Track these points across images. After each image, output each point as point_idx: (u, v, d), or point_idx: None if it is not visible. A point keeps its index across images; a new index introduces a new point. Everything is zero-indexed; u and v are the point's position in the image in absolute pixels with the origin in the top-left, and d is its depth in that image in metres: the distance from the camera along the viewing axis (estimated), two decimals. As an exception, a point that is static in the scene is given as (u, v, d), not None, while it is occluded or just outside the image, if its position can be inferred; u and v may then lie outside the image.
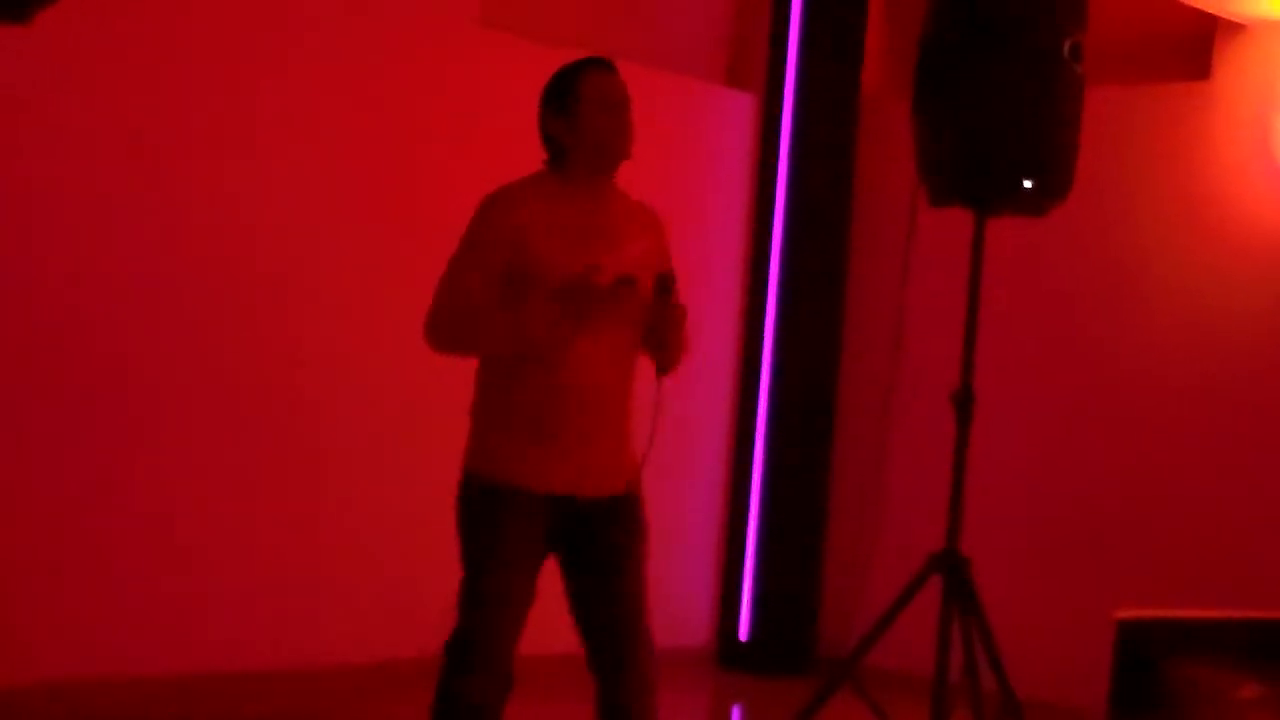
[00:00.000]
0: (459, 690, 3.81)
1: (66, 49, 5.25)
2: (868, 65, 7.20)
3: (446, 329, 3.86)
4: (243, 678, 5.77)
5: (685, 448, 7.01)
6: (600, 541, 3.92)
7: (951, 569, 4.78)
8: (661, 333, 3.86)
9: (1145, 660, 4.62)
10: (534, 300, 3.78)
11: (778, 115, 7.12)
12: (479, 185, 6.17)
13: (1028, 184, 4.74)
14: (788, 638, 7.04)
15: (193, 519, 5.66)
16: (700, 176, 7.05)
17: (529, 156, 6.29)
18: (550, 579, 3.97)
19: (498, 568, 3.83)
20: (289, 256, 5.85)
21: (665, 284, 3.85)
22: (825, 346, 7.10)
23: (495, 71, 6.35)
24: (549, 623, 4.07)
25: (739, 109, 7.21)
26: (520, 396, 3.87)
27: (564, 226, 3.85)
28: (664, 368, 3.92)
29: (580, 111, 3.89)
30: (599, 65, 3.95)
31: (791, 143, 7.11)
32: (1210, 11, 6.18)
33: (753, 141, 7.24)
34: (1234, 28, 6.26)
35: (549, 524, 3.88)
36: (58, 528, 5.37)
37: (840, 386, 7.19)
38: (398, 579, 6.04)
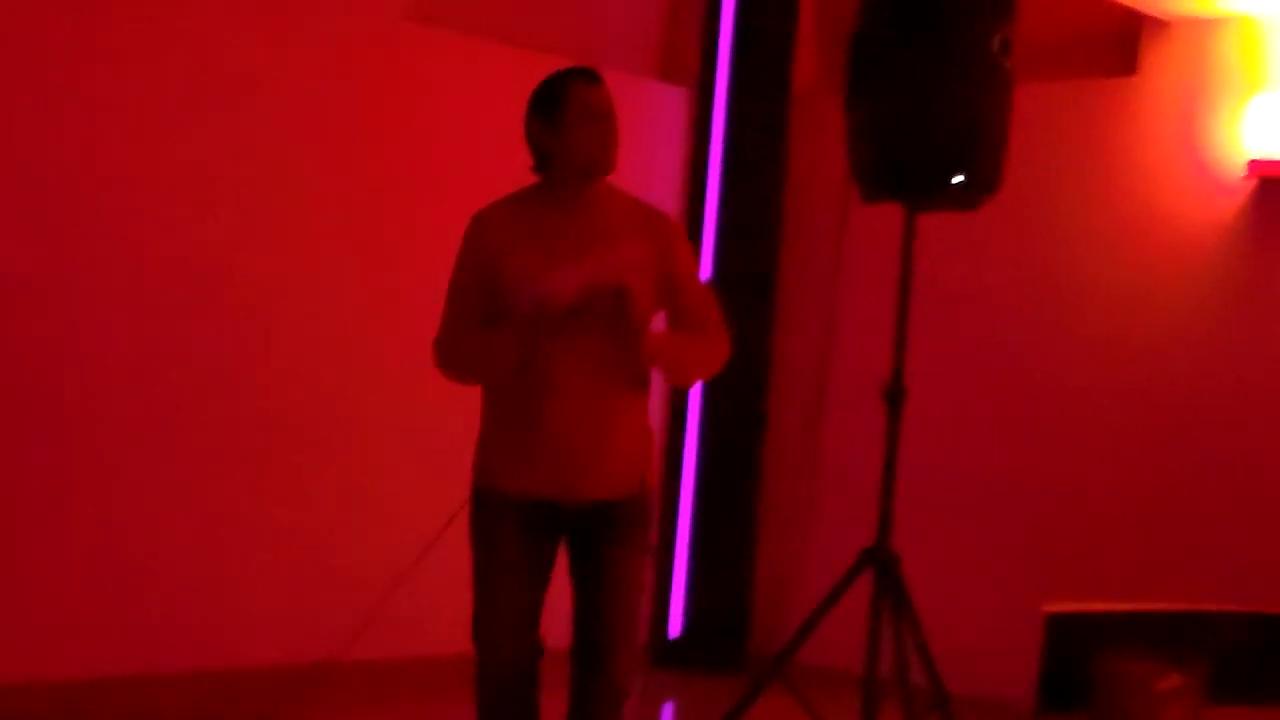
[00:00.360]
0: (479, 695, 3.97)
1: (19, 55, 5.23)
2: (799, 60, 7.20)
3: (443, 362, 4.02)
4: (204, 677, 5.78)
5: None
6: (589, 549, 3.97)
7: (882, 565, 4.79)
8: (621, 345, 3.86)
9: (1073, 653, 4.66)
10: (498, 330, 3.87)
11: (710, 110, 7.11)
12: (412, 179, 6.26)
13: (957, 179, 4.76)
14: (719, 635, 7.04)
15: (147, 523, 5.66)
16: (632, 171, 6.86)
17: (461, 150, 6.36)
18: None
19: (493, 574, 3.94)
20: (223, 254, 5.80)
21: (617, 295, 3.82)
22: (757, 342, 7.09)
23: (425, 66, 6.31)
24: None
25: (671, 103, 7.20)
26: (503, 406, 3.96)
27: (535, 240, 3.90)
28: (671, 381, 4.11)
29: (565, 122, 3.90)
30: (585, 75, 3.97)
31: (724, 137, 7.11)
32: (1136, 8, 6.22)
33: (685, 136, 7.23)
34: (1159, 24, 6.31)
35: (543, 527, 3.94)
36: (8, 532, 5.34)
37: (772, 382, 7.19)
38: (355, 580, 6.04)
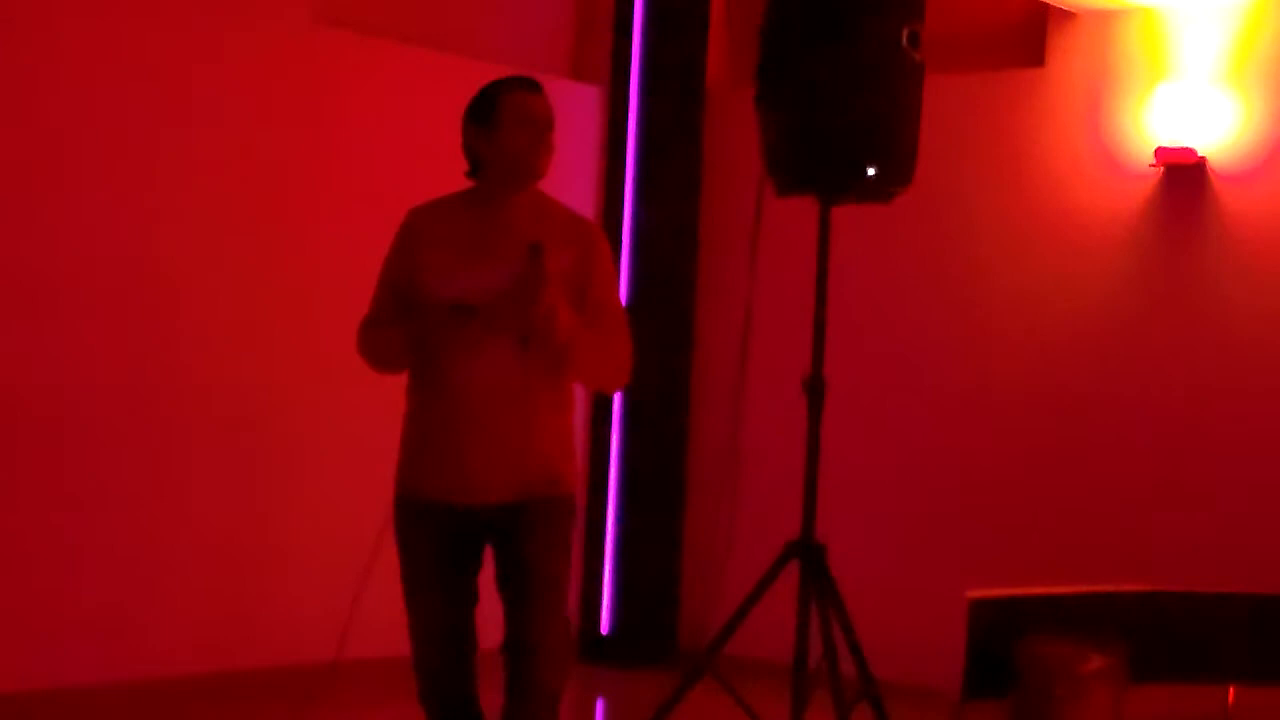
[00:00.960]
0: (421, 700, 4.04)
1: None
2: (712, 55, 7.23)
3: (363, 349, 4.06)
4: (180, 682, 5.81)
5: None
6: (508, 551, 3.98)
7: (808, 556, 4.82)
8: (523, 303, 3.78)
9: (997, 638, 4.71)
10: (394, 326, 3.95)
11: (624, 108, 7.13)
12: (318, 180, 6.23)
13: (870, 171, 4.79)
14: (649, 629, 7.06)
15: (109, 528, 5.70)
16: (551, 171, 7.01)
17: (367, 151, 6.34)
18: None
19: (416, 584, 3.99)
20: (141, 253, 5.80)
21: (535, 252, 3.79)
22: (677, 338, 7.12)
23: (331, 68, 6.29)
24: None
25: (584, 101, 7.21)
26: (413, 410, 4.01)
27: (460, 243, 3.93)
28: (577, 375, 4.03)
29: (500, 126, 3.92)
30: (523, 84, 4.00)
31: (638, 134, 7.13)
32: (1042, 0, 6.30)
33: (599, 134, 7.25)
34: (1066, 16, 6.39)
35: (463, 532, 3.95)
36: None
37: (693, 378, 7.22)
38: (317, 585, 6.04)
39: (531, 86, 3.99)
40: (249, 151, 6.06)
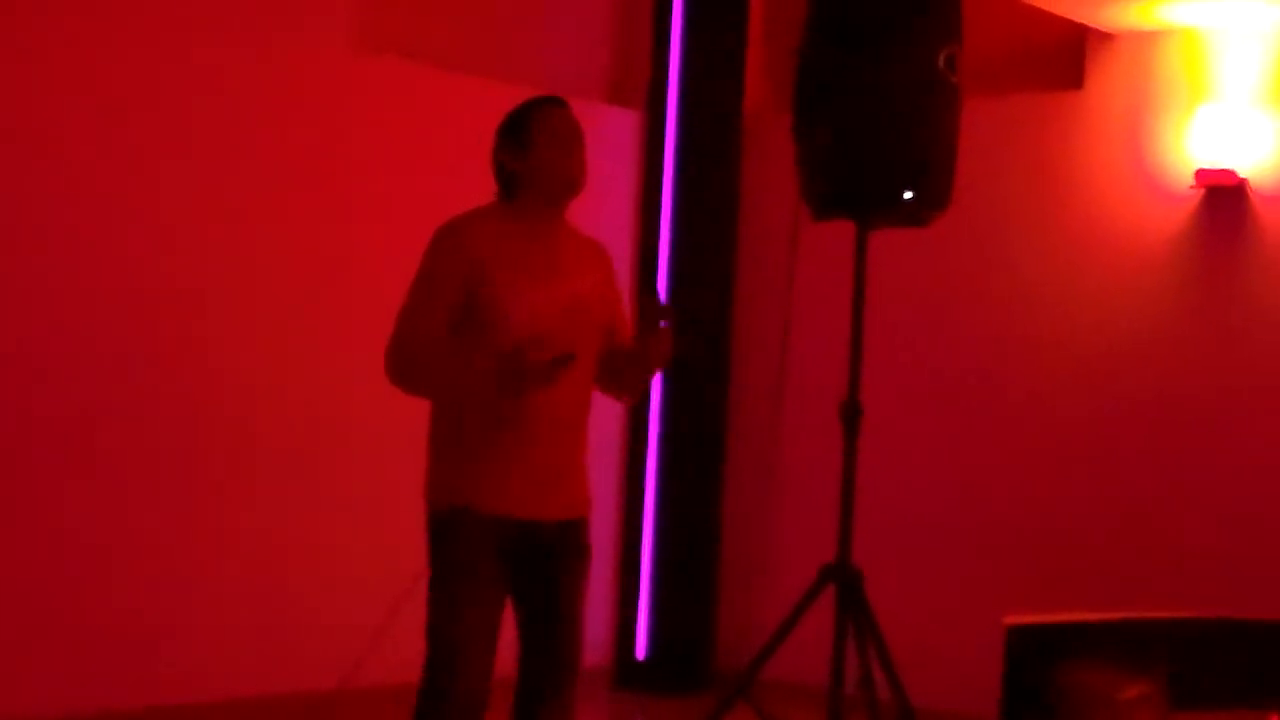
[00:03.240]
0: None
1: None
2: (749, 81, 7.23)
3: (401, 370, 3.86)
4: (196, 710, 5.78)
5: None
6: (548, 567, 3.96)
7: (844, 581, 4.80)
8: (648, 361, 3.95)
9: (1035, 665, 4.67)
10: (479, 363, 3.78)
11: (661, 132, 7.13)
12: (356, 203, 6.26)
13: (908, 195, 4.78)
14: (685, 655, 7.03)
15: (132, 550, 5.72)
16: (585, 194, 7.00)
17: (406, 175, 6.37)
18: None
19: (469, 601, 3.86)
20: (177, 277, 5.84)
21: (661, 313, 3.89)
22: (714, 363, 7.11)
23: (371, 93, 6.33)
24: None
25: (623, 127, 7.22)
26: (476, 424, 3.87)
27: (521, 259, 3.88)
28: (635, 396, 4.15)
29: (534, 144, 3.93)
30: (552, 101, 4.02)
31: (676, 159, 7.13)
32: (1081, 22, 6.27)
33: (637, 159, 7.25)
34: (1104, 37, 6.37)
35: (505, 546, 3.90)
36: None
37: (730, 402, 7.21)
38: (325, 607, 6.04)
39: (559, 104, 4.01)
40: (288, 175, 6.09)
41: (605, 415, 7.06)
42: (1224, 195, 6.07)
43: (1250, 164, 6.03)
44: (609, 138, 7.18)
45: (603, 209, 7.12)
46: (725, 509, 7.19)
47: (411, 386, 3.87)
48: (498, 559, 3.88)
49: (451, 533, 3.89)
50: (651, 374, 4.07)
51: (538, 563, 3.96)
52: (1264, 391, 5.99)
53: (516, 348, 3.70)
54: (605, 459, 7.17)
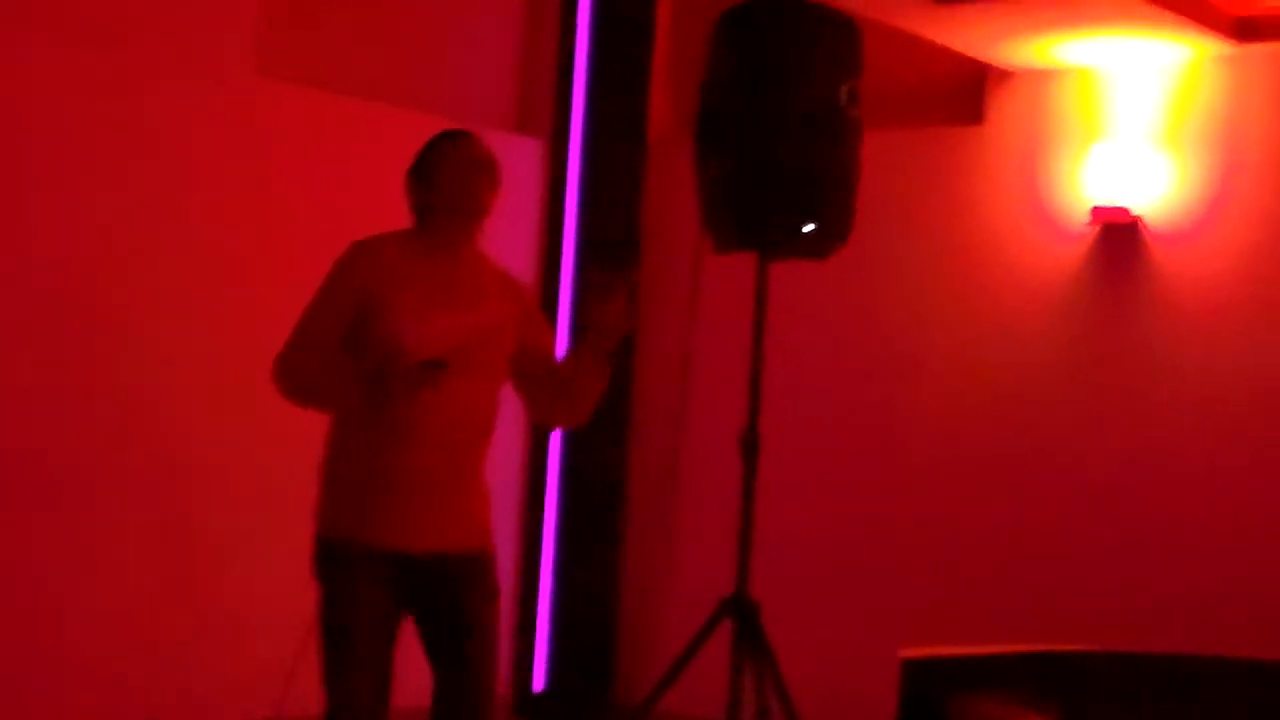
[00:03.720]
0: None
1: None
2: (653, 111, 7.24)
3: (281, 377, 3.92)
4: None
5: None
6: (451, 601, 3.94)
7: (741, 613, 4.80)
8: (603, 334, 3.99)
9: (931, 697, 4.69)
10: (353, 372, 3.83)
11: (565, 161, 7.14)
12: (259, 231, 6.20)
13: (808, 228, 4.81)
14: (583, 686, 7.01)
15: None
16: (490, 222, 7.00)
17: (309, 202, 6.32)
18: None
19: (354, 633, 3.84)
20: (79, 301, 5.77)
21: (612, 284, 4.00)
22: (616, 392, 7.08)
23: (274, 120, 6.27)
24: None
25: (527, 155, 7.21)
26: (363, 452, 3.88)
27: (420, 286, 3.91)
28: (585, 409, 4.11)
29: (435, 176, 3.99)
30: (458, 134, 4.09)
31: (580, 188, 7.14)
32: (980, 59, 6.35)
33: (541, 187, 7.25)
34: (1003, 75, 6.44)
35: (399, 580, 3.88)
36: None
37: (631, 433, 7.20)
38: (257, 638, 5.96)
39: (464, 135, 4.07)
40: (190, 202, 6.02)
41: (505, 444, 7.07)
42: (1118, 232, 6.15)
43: (1144, 202, 6.12)
44: (514, 166, 7.14)
45: (506, 237, 7.10)
46: (626, 539, 7.18)
47: (292, 394, 3.93)
48: (387, 592, 3.86)
49: (333, 565, 3.88)
50: (608, 350, 4.02)
51: (440, 600, 3.93)
52: (1157, 425, 6.06)
53: (387, 355, 3.75)
54: (504, 488, 7.14)
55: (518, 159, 7.15)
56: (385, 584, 3.87)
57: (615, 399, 7.05)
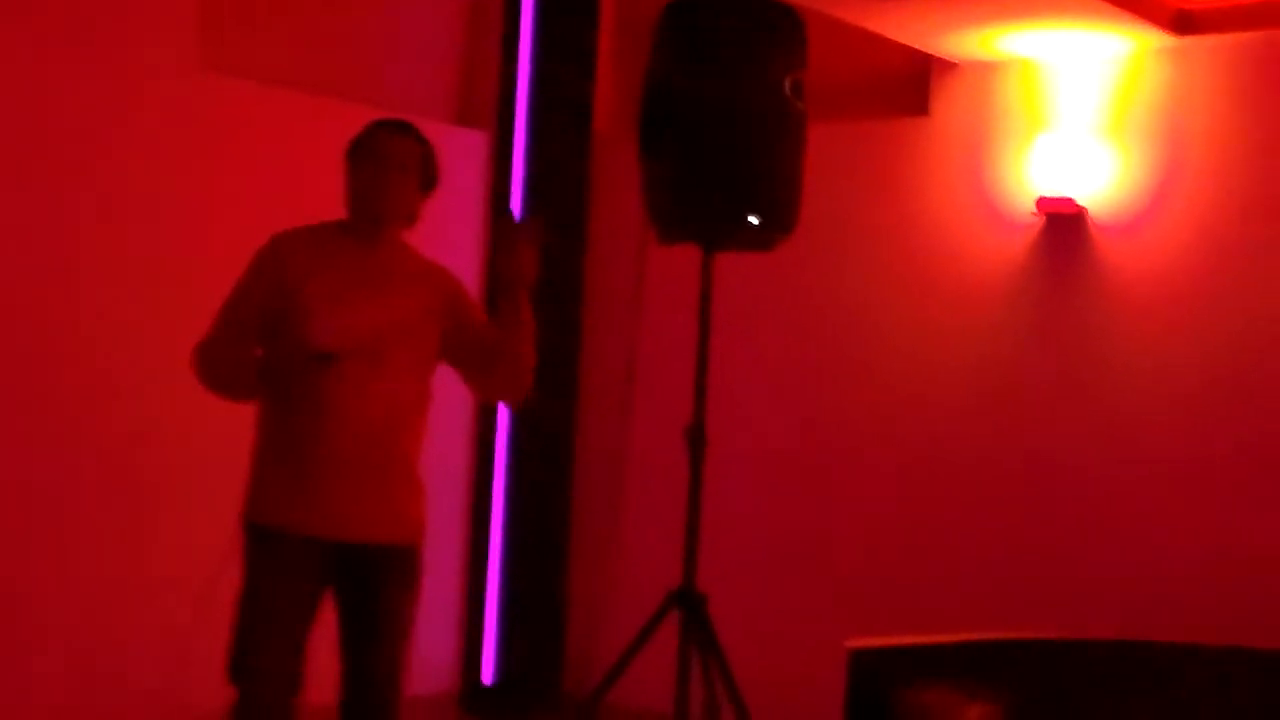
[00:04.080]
0: None
1: None
2: (598, 103, 7.23)
3: (199, 367, 3.99)
4: None
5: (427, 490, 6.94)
6: (369, 591, 3.94)
7: (688, 606, 4.80)
8: (509, 283, 3.97)
9: (877, 687, 4.70)
10: (246, 360, 3.91)
11: (509, 153, 7.11)
12: (201, 223, 6.15)
13: (752, 219, 4.80)
14: (532, 679, 6.99)
15: None
16: (431, 215, 6.96)
17: (256, 198, 6.27)
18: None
19: (264, 613, 3.87)
20: (13, 295, 5.69)
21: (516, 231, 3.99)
22: (563, 386, 7.08)
23: (218, 113, 6.22)
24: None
25: (470, 148, 7.17)
26: (285, 440, 3.91)
27: (335, 278, 3.93)
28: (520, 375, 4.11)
29: (350, 165, 4.01)
30: (383, 124, 4.07)
31: (525, 181, 7.11)
32: (925, 50, 6.36)
33: (485, 180, 7.21)
34: (948, 66, 6.46)
35: (320, 567, 3.90)
36: None
37: (577, 426, 7.18)
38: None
39: (392, 128, 4.05)
40: (127, 194, 5.96)
41: (450, 437, 7.06)
42: (1064, 223, 6.18)
43: (1089, 193, 6.14)
44: (456, 159, 7.12)
45: (450, 230, 7.08)
46: (574, 531, 7.16)
47: (205, 383, 4.00)
48: (307, 578, 3.88)
49: (256, 549, 3.91)
50: (520, 298, 4.01)
51: (358, 589, 3.94)
52: (1104, 413, 6.09)
53: (288, 347, 3.82)
54: (450, 479, 7.12)
55: (461, 152, 7.13)
56: (306, 570, 3.89)
57: (562, 391, 7.06)
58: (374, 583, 3.94)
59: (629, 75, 6.94)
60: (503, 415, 7.04)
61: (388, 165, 3.98)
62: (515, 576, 7.03)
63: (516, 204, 7.11)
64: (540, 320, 3.92)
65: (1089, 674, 5.11)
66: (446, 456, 7.09)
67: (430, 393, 4.09)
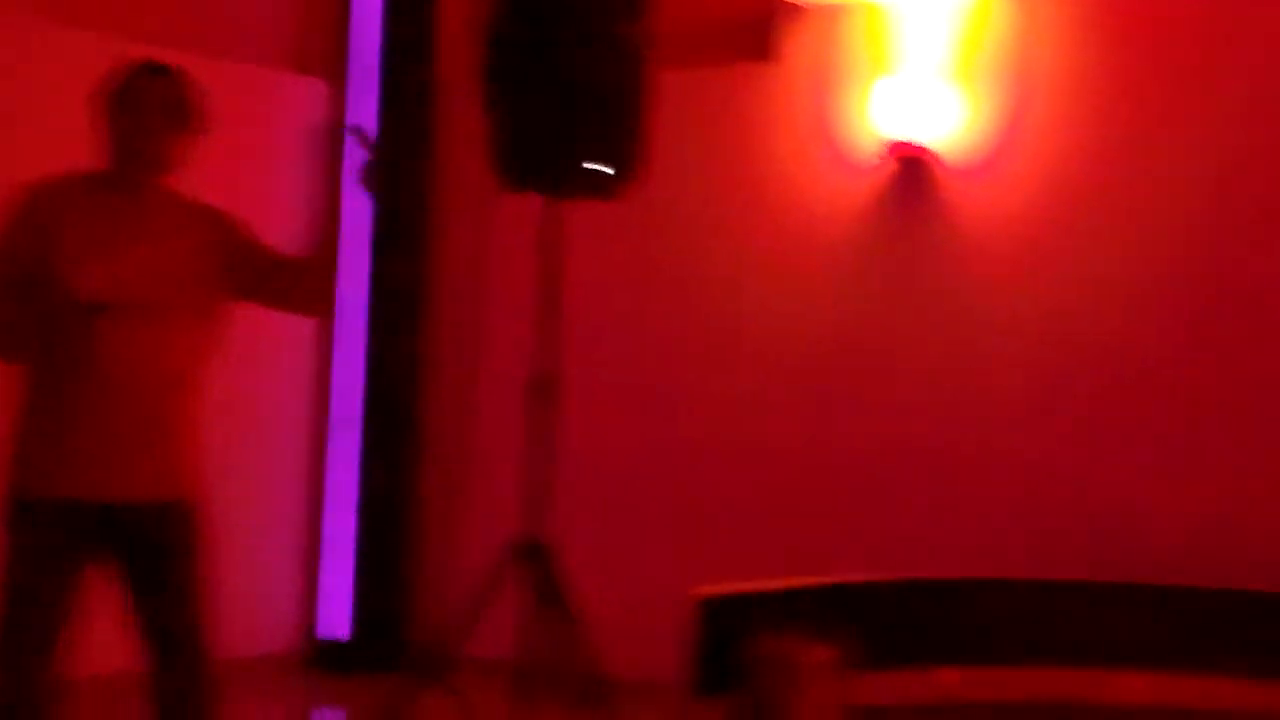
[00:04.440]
0: None
1: None
2: (441, 51, 7.10)
3: None
4: None
5: (266, 446, 6.84)
6: (146, 556, 3.82)
7: (533, 557, 4.77)
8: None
9: (725, 634, 4.71)
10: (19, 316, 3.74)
11: (346, 101, 6.96)
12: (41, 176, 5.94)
13: (590, 167, 4.75)
14: (381, 635, 6.91)
15: None
16: (271, 165, 6.83)
17: (88, 147, 6.07)
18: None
19: (24, 596, 3.72)
20: None
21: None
22: (408, 337, 6.99)
23: (54, 65, 6.01)
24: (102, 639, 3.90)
25: (309, 96, 7.02)
26: (51, 402, 3.75)
27: (95, 226, 3.78)
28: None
29: (109, 112, 3.84)
30: (146, 68, 3.87)
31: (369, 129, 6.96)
32: (771, -6, 6.34)
33: (325, 129, 7.05)
34: (793, 9, 6.43)
35: (87, 534, 3.76)
36: None
37: (426, 379, 7.09)
38: None
39: (153, 71, 3.87)
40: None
41: (294, 387, 6.93)
42: (910, 167, 6.20)
43: (935, 137, 6.16)
44: (294, 107, 6.99)
45: (286, 179, 6.93)
46: (422, 484, 7.08)
47: None
48: (71, 548, 3.74)
49: (13, 519, 3.76)
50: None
51: (138, 553, 3.82)
52: (955, 354, 6.13)
53: (51, 300, 3.67)
54: (294, 433, 7.01)
55: (300, 100, 6.98)
56: (70, 539, 3.75)
57: (409, 345, 6.96)
58: (149, 544, 3.80)
59: (475, 23, 6.85)
60: (347, 363, 6.92)
61: (148, 110, 3.81)
62: (364, 531, 6.94)
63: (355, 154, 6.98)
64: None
65: (933, 614, 5.17)
66: (288, 409, 6.98)
67: (218, 337, 3.95)
